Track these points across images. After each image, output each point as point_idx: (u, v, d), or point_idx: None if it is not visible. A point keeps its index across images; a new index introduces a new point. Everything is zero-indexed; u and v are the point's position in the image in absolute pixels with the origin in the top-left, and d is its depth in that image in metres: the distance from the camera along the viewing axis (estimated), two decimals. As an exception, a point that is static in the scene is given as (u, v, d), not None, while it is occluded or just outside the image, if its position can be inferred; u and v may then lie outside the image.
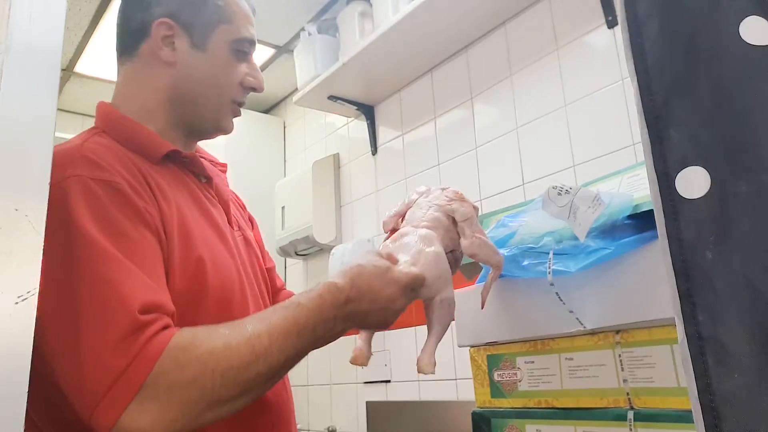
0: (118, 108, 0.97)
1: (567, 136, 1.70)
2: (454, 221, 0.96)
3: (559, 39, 1.77)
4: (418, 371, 0.90)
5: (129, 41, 0.98)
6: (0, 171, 0.29)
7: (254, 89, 1.03)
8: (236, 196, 1.18)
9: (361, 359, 0.90)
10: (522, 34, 1.88)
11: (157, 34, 0.95)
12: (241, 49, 1.00)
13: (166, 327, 0.72)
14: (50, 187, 0.80)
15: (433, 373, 0.90)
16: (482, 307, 0.99)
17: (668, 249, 0.49)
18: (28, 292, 0.29)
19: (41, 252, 0.31)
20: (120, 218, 0.77)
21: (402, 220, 1.00)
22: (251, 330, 0.75)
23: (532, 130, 1.80)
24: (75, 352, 0.68)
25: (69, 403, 0.69)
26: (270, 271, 1.15)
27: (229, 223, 1.02)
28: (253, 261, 1.04)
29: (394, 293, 0.83)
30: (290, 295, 1.14)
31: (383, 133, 2.39)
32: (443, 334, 0.92)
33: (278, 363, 0.76)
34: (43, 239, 0.31)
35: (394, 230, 1.01)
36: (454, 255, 0.97)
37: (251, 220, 1.20)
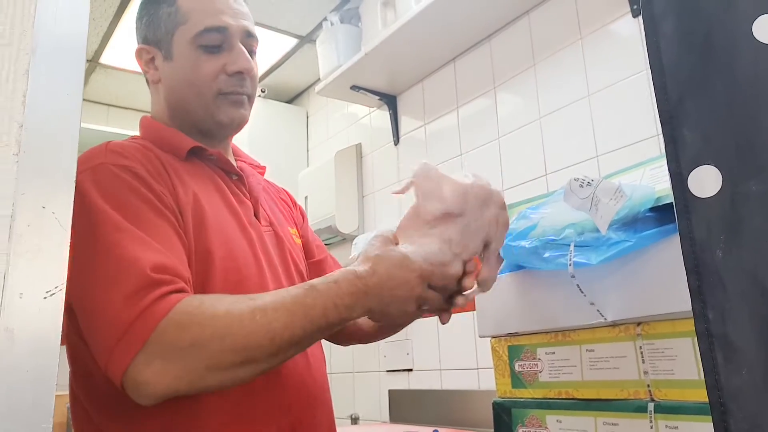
0: (154, 118, 1.07)
1: (590, 127, 1.68)
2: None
3: (583, 28, 1.75)
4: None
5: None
6: (28, 170, 0.30)
7: (239, 72, 1.01)
8: (281, 192, 1.26)
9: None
10: (546, 23, 1.87)
11: (140, 60, 1.06)
12: (205, 43, 1.00)
13: (178, 290, 0.76)
14: (76, 176, 0.85)
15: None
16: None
17: (682, 246, 0.50)
18: (56, 287, 0.30)
19: (68, 248, 0.32)
20: (135, 198, 0.84)
21: None
22: (258, 302, 0.76)
23: (556, 120, 1.79)
24: (92, 309, 0.75)
25: (95, 362, 0.75)
26: (319, 264, 1.20)
27: (257, 218, 1.04)
28: (285, 256, 1.06)
29: (414, 281, 0.81)
30: None
31: (405, 122, 2.39)
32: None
33: (282, 339, 0.75)
34: (69, 235, 0.32)
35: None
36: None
37: (303, 216, 1.26)
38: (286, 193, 1.29)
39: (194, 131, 1.04)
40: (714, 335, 0.47)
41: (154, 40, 1.04)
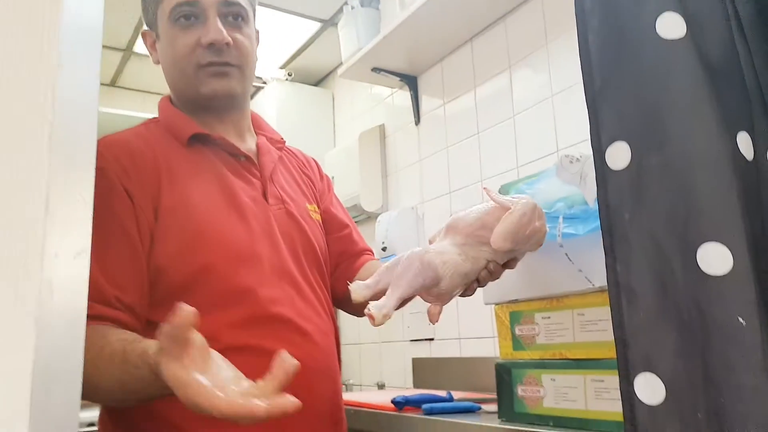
0: (169, 98, 1.11)
1: (601, 102, 1.72)
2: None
3: (594, 5, 1.78)
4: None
5: None
6: (58, 161, 0.40)
7: (212, 44, 1.00)
8: (307, 164, 1.26)
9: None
10: (558, 1, 1.90)
11: (146, 45, 1.11)
12: (178, 16, 1.01)
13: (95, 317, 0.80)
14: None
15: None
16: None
17: (599, 212, 0.57)
18: (83, 250, 0.40)
19: (90, 219, 0.40)
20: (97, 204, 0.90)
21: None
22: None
23: (567, 97, 1.84)
24: None
25: None
26: (344, 239, 1.22)
27: (265, 198, 1.06)
28: (292, 233, 1.07)
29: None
30: (367, 261, 1.22)
31: (426, 102, 2.45)
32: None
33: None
34: (91, 208, 0.41)
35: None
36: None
37: (329, 187, 1.28)
38: (314, 163, 1.28)
39: (195, 108, 1.06)
40: (620, 284, 0.55)
41: (149, 23, 1.08)
